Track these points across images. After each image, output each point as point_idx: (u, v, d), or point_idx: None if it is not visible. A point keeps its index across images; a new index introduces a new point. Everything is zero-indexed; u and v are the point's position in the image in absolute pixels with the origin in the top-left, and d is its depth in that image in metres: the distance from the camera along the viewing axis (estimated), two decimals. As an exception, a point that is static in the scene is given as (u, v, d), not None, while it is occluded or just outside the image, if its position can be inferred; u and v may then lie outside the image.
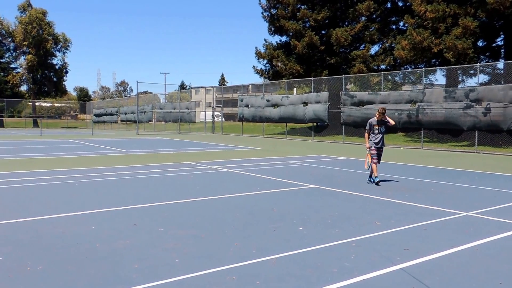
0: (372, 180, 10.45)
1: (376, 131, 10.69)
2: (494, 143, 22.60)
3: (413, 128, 24.74)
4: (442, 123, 22.16)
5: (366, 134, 10.85)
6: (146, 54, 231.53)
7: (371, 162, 10.54)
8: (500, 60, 27.15)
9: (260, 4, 38.91)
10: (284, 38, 38.92)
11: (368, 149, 10.75)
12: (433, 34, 25.80)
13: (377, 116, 10.70)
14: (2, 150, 19.96)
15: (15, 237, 5.72)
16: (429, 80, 29.69)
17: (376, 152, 10.61)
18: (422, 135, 23.93)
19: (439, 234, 5.96)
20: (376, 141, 10.69)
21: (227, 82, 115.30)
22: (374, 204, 8.04)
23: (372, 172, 10.47)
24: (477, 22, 24.11)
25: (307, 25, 36.15)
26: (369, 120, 10.85)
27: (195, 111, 43.89)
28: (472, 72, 26.79)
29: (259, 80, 43.35)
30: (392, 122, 10.84)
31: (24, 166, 13.51)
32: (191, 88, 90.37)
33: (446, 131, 24.79)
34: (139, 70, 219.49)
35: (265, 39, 40.00)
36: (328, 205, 7.92)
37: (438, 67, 27.17)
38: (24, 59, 64.92)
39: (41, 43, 62.41)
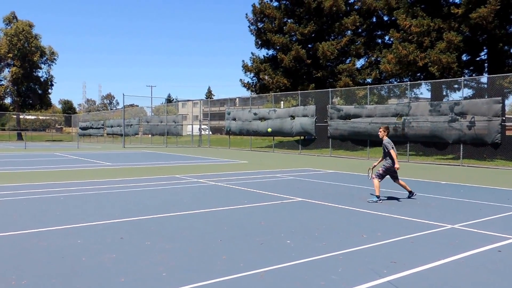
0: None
1: None
2: (479, 156, 22.86)
3: (399, 141, 24.92)
4: (427, 136, 22.37)
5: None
6: (132, 67, 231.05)
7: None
8: (484, 74, 27.58)
9: (247, 17, 39.24)
10: (271, 52, 39.27)
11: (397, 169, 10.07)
12: (418, 48, 26.16)
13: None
14: (-14, 163, 19.70)
15: (-2, 251, 5.64)
16: (414, 94, 30.07)
17: None
18: (408, 148, 24.12)
19: (426, 247, 5.99)
20: None
21: (214, 95, 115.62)
22: (360, 217, 8.07)
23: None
24: (461, 36, 24.51)
25: (294, 39, 36.50)
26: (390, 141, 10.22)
27: (182, 124, 43.81)
28: (456, 86, 27.19)
29: (246, 93, 43.50)
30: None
31: (8, 180, 13.34)
32: (178, 101, 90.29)
33: (432, 145, 25.03)
34: (125, 83, 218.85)
35: (252, 53, 40.36)
36: (315, 218, 7.93)
37: (423, 81, 27.50)
38: (8, 71, 64.42)
39: (27, 55, 62.02)
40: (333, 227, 7.23)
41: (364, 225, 7.32)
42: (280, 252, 5.69)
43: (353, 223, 7.54)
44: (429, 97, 28.92)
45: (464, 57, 27.60)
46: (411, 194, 10.34)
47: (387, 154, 10.07)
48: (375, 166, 10.75)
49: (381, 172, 10.05)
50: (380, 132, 10.38)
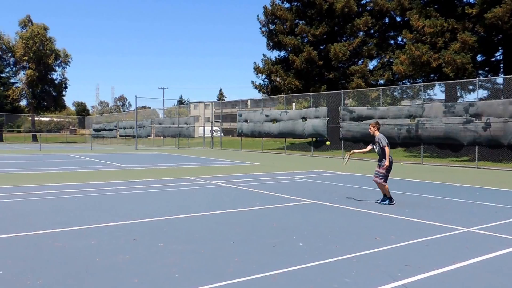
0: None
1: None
2: (494, 158, 22.57)
3: (413, 143, 24.70)
4: (442, 138, 22.15)
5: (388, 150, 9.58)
6: (144, 69, 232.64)
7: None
8: (500, 74, 27.23)
9: (258, 19, 39.23)
10: (282, 53, 39.19)
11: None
12: (431, 49, 25.93)
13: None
14: (1, 164, 19.91)
15: (15, 251, 5.68)
16: (427, 95, 29.80)
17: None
18: (422, 150, 23.89)
19: (441, 250, 5.92)
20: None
21: (225, 97, 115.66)
22: (374, 219, 8.00)
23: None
24: (475, 37, 24.24)
25: (305, 40, 36.40)
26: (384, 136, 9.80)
27: (194, 126, 43.98)
28: (471, 87, 26.88)
29: (257, 95, 43.41)
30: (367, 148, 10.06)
31: (23, 181, 13.46)
32: (190, 103, 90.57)
33: (446, 146, 24.75)
34: (138, 85, 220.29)
35: (263, 54, 40.34)
36: (328, 220, 7.88)
37: (437, 82, 27.24)
38: (24, 74, 65.27)
39: (42, 58, 62.72)
40: (346, 229, 7.17)
41: (378, 228, 7.26)
42: (293, 254, 5.65)
43: (366, 225, 7.47)
44: (443, 98, 28.64)
45: (479, 58, 27.29)
46: (387, 199, 9.62)
47: (381, 150, 9.58)
48: (354, 152, 10.56)
49: (384, 173, 9.51)
50: (370, 129, 9.91)
